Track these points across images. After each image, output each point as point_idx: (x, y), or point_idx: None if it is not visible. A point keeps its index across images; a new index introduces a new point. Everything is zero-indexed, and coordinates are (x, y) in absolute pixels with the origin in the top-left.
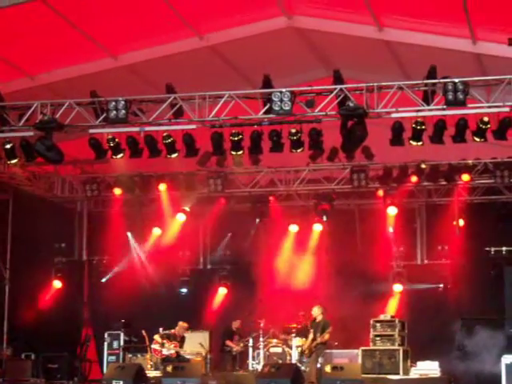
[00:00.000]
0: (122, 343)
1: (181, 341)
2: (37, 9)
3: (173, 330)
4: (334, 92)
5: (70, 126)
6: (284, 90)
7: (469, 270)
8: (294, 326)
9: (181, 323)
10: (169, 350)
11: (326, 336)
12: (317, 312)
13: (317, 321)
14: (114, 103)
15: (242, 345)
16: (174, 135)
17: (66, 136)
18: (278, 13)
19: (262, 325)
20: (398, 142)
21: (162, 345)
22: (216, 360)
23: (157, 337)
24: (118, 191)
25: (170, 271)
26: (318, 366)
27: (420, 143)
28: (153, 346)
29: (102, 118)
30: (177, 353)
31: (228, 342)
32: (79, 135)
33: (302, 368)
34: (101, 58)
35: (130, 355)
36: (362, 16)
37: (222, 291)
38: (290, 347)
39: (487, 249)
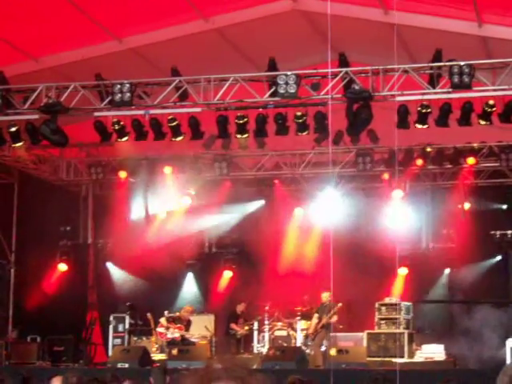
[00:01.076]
0: (127, 326)
1: (187, 324)
2: None
3: (178, 313)
4: (340, 75)
5: (75, 108)
6: (289, 72)
7: (474, 254)
8: (299, 309)
9: (186, 307)
10: (173, 333)
11: (334, 317)
12: (327, 297)
13: (324, 305)
14: (119, 86)
15: (246, 328)
16: (179, 118)
17: (71, 119)
18: None
19: (267, 308)
20: (404, 125)
21: (167, 328)
22: (221, 343)
23: (162, 320)
24: (123, 174)
25: (175, 254)
26: (323, 349)
27: (425, 126)
28: (158, 329)
29: (107, 100)
30: (181, 336)
31: (232, 326)
32: (84, 118)
33: (307, 351)
34: (106, 41)
35: (135, 338)
36: None
37: (228, 274)
38: (295, 330)
39: (492, 232)
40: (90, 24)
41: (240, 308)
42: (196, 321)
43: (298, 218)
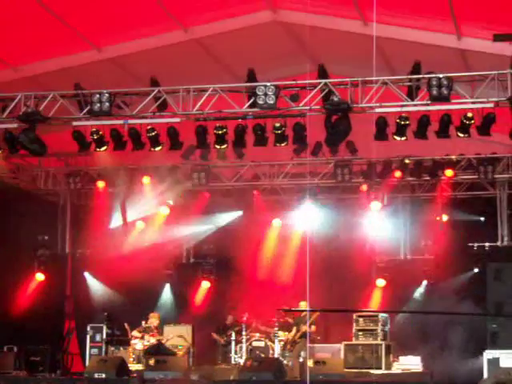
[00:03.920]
0: (104, 336)
1: (158, 331)
2: (21, 0)
3: (146, 324)
4: (319, 86)
5: (54, 118)
6: (268, 83)
7: (452, 266)
8: (277, 319)
9: (151, 314)
10: (149, 340)
11: (313, 327)
12: (304, 307)
13: (301, 315)
14: (97, 96)
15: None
16: (158, 128)
17: (50, 128)
18: (264, 6)
19: (244, 318)
20: (382, 137)
21: (142, 337)
22: (203, 353)
23: (135, 332)
24: (101, 184)
25: (153, 265)
26: (301, 360)
27: (404, 138)
28: (133, 341)
29: (85, 110)
30: (158, 340)
31: (214, 335)
32: (63, 127)
33: (285, 362)
34: (85, 51)
35: (112, 348)
36: (347, 10)
37: (205, 285)
38: (273, 341)
39: (470, 244)
40: (70, 33)
41: (230, 320)
42: (173, 331)
43: (276, 229)
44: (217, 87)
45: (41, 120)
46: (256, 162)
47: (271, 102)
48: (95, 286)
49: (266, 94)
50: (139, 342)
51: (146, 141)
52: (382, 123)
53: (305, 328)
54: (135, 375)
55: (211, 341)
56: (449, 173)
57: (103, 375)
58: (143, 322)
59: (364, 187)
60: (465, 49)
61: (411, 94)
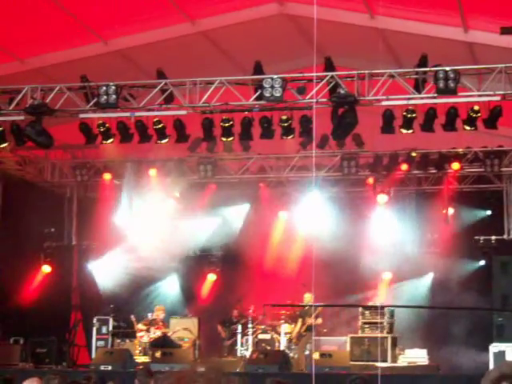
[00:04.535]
0: (110, 328)
1: (163, 325)
2: None
3: (151, 317)
4: (325, 79)
5: (61, 110)
6: (275, 76)
7: (458, 259)
8: (283, 312)
9: (158, 306)
10: (155, 332)
11: (319, 319)
12: (309, 299)
13: (306, 308)
14: (104, 88)
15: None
16: (165, 121)
17: (57, 120)
18: None
19: (250, 311)
20: (389, 130)
21: (148, 330)
22: (209, 346)
23: (140, 325)
24: (107, 176)
25: (159, 257)
26: (307, 353)
27: (410, 131)
28: (138, 334)
29: (92, 102)
30: (163, 333)
31: (218, 327)
32: (69, 120)
33: (291, 355)
34: (92, 43)
35: (118, 340)
36: (354, 3)
37: (212, 278)
38: (279, 334)
39: (476, 237)
40: (76, 26)
41: (235, 313)
42: (179, 324)
43: (282, 222)
44: (223, 80)
45: (47, 112)
46: (262, 154)
47: (278, 94)
48: (101, 278)
49: (272, 87)
50: (145, 335)
51: (153, 133)
52: (388, 116)
53: (310, 321)
54: (141, 367)
55: (217, 333)
56: (455, 166)
57: (109, 367)
58: (149, 315)
59: (370, 180)
60: (472, 42)
61: (418, 86)
